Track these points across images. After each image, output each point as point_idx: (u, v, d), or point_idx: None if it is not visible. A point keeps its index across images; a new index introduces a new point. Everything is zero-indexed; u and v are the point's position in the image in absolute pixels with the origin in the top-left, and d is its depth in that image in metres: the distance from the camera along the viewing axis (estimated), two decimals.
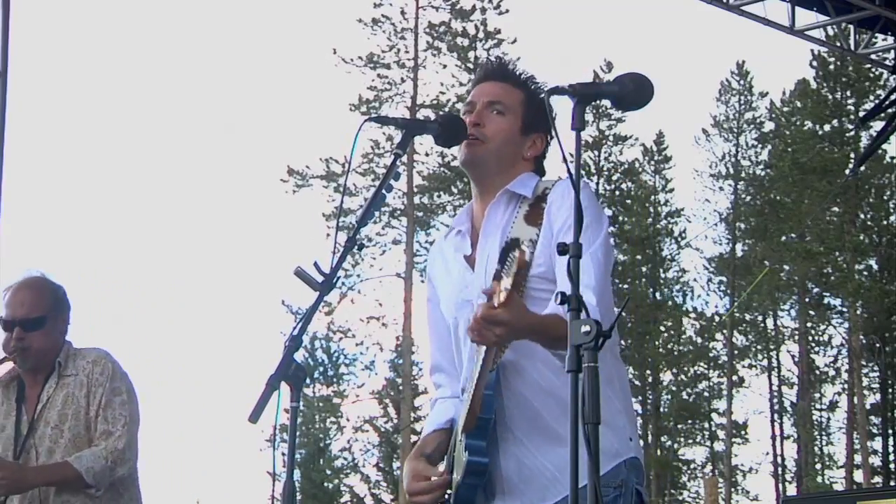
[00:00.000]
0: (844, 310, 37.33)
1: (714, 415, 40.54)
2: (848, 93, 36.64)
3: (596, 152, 38.94)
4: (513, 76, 3.23)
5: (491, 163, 3.17)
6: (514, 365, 2.99)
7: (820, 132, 36.82)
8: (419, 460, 3.11)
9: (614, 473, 2.98)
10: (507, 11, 34.84)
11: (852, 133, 34.81)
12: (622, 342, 32.37)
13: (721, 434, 39.97)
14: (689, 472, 40.19)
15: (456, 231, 3.28)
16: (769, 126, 39.91)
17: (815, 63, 36.85)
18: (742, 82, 40.40)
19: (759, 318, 40.38)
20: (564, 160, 2.75)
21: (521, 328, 2.75)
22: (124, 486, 4.16)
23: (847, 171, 33.08)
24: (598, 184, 37.75)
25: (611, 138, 39.34)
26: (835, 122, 36.63)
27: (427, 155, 34.89)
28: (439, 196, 35.75)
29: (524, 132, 3.18)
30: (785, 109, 39.27)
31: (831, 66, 36.28)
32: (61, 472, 4.03)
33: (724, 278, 39.60)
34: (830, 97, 37.06)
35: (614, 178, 39.75)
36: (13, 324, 4.17)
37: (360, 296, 34.45)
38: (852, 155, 34.38)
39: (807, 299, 37.73)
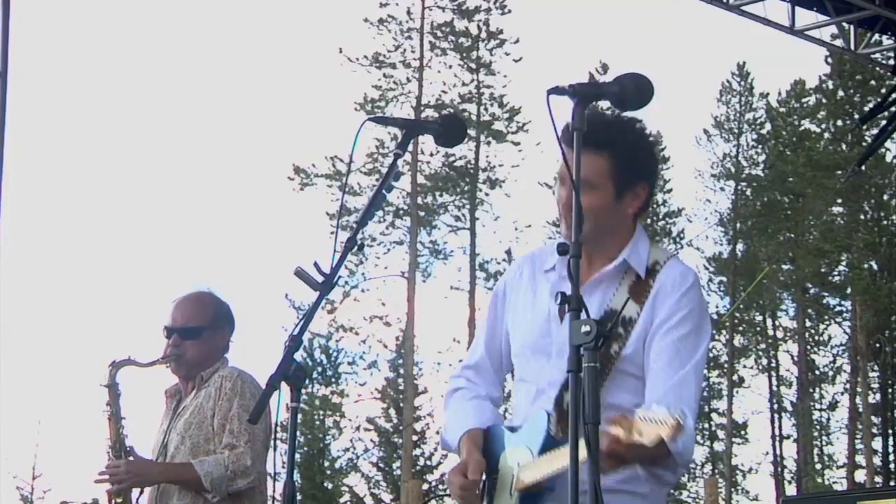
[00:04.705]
0: (844, 310, 37.36)
1: (714, 415, 40.53)
2: (861, 90, 36.36)
3: None
4: (594, 141, 2.86)
5: (590, 238, 2.96)
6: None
7: (832, 129, 36.75)
8: (478, 452, 3.11)
9: None
10: (510, 11, 34.89)
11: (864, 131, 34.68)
12: None
13: (721, 434, 39.96)
14: (688, 472, 40.16)
15: (559, 274, 3.13)
16: (770, 127, 39.89)
17: (829, 60, 36.64)
18: (743, 83, 40.40)
19: (759, 318, 40.38)
20: (565, 162, 2.75)
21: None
22: (248, 496, 4.30)
23: (849, 170, 33.04)
24: None
25: None
26: (847, 119, 36.50)
27: (431, 155, 34.92)
28: (442, 196, 35.75)
29: (619, 196, 3.04)
30: (783, 110, 39.21)
31: (847, 64, 36.06)
32: (182, 472, 4.23)
33: (724, 278, 39.61)
34: (844, 94, 36.93)
35: None
36: (172, 331, 4.40)
37: (363, 294, 34.49)
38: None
39: (806, 297, 37.70)
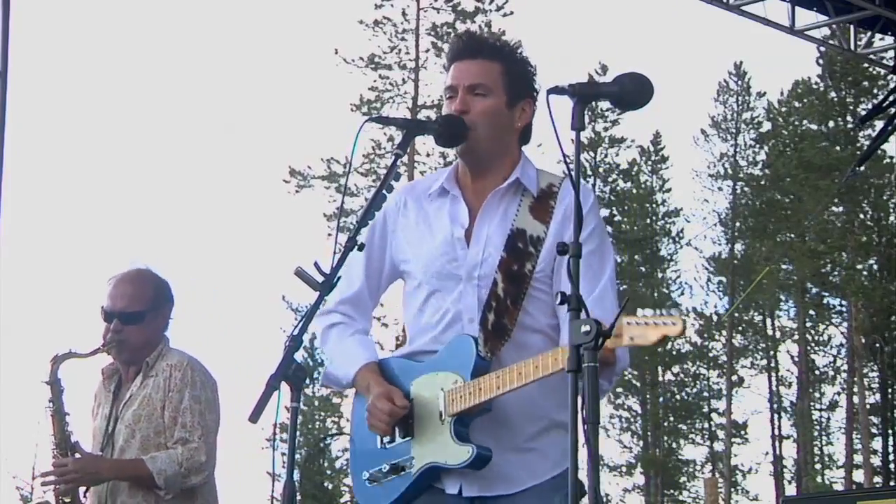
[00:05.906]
0: (844, 310, 37.31)
1: (714, 415, 40.54)
2: (853, 91, 36.38)
3: (592, 153, 38.97)
4: (487, 50, 3.19)
5: (484, 147, 3.16)
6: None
7: (825, 130, 36.73)
8: (388, 386, 3.12)
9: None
10: (512, 13, 34.86)
11: (859, 131, 34.65)
12: None
13: (721, 434, 39.95)
14: (689, 472, 40.16)
15: (441, 189, 3.23)
16: (767, 126, 39.91)
17: (821, 61, 36.63)
18: (740, 83, 40.39)
19: (759, 318, 40.35)
20: (565, 161, 2.75)
21: None
22: (200, 490, 4.18)
23: (848, 171, 32.99)
24: (594, 185, 37.77)
25: (606, 140, 39.40)
26: (840, 120, 36.50)
27: (428, 156, 34.92)
28: None
29: (510, 105, 3.17)
30: (783, 110, 39.19)
31: (837, 65, 36.05)
32: (134, 469, 4.08)
33: (723, 278, 39.59)
34: (835, 95, 36.90)
35: (610, 178, 39.86)
36: (112, 315, 4.18)
37: None
38: (858, 154, 34.20)
39: (806, 298, 37.68)
